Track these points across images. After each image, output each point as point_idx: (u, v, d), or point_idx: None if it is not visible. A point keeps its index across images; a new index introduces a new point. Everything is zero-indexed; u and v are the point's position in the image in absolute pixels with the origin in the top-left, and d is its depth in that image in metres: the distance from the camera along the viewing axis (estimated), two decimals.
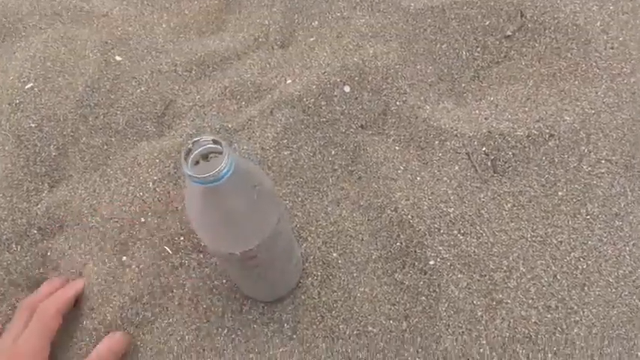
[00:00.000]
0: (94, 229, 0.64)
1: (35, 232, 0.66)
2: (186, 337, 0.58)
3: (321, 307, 0.58)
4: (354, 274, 0.59)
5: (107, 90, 0.74)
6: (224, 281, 0.61)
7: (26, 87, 0.72)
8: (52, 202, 0.67)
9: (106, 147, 0.72)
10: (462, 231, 0.60)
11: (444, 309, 0.56)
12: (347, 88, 0.69)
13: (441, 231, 0.60)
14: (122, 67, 0.77)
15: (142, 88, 0.76)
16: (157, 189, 0.66)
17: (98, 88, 0.74)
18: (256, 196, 0.43)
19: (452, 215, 0.61)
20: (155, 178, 0.66)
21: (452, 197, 0.62)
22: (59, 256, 0.64)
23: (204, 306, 0.60)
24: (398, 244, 0.60)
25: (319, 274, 0.61)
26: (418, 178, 0.64)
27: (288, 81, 0.73)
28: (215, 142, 0.38)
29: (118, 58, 0.77)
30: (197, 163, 0.39)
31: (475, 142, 0.65)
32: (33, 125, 0.70)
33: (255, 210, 0.44)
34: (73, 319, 0.60)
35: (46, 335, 0.52)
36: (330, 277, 0.60)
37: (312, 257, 0.62)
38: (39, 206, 0.67)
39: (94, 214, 0.65)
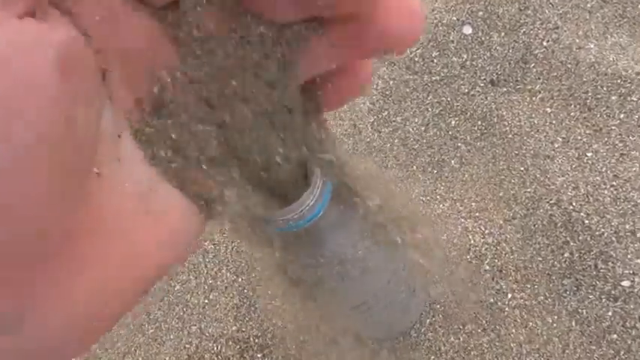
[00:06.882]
0: None
1: None
2: None
3: (458, 350, 0.45)
4: None
5: None
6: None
7: None
8: None
9: None
10: None
11: None
12: (468, 29, 0.57)
13: (638, 235, 0.45)
14: None
15: None
16: None
17: None
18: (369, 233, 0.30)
19: None
20: None
21: None
22: None
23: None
24: (566, 254, 0.47)
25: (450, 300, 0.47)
26: (589, 154, 0.50)
27: None
28: None
29: None
30: None
31: None
32: None
33: (368, 250, 0.30)
34: None
35: None
36: None
37: (437, 275, 0.48)
38: None
39: None
